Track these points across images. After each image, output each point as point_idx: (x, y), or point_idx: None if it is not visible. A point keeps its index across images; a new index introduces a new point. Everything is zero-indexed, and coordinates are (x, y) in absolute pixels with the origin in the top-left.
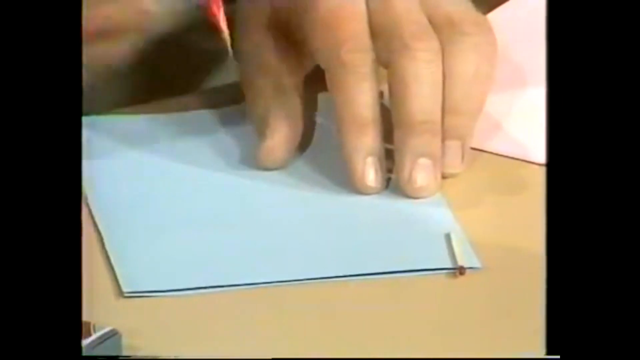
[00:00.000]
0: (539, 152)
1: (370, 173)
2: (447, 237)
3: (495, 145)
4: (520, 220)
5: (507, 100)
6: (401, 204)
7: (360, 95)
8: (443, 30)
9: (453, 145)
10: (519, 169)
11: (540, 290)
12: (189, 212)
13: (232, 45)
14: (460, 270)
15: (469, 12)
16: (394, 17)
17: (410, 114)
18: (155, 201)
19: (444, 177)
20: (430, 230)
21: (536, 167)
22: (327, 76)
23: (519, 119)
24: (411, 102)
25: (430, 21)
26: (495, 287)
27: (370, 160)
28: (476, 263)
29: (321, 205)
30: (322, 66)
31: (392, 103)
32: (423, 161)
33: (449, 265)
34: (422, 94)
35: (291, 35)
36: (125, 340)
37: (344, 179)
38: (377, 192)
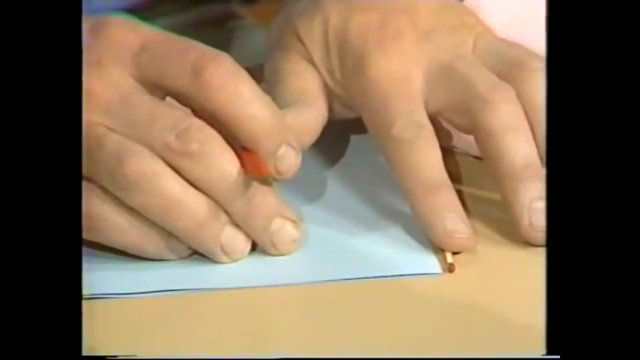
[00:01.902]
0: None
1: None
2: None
3: None
4: None
5: None
6: (390, 209)
7: (422, 162)
8: (512, 73)
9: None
10: None
11: (540, 290)
12: None
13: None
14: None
15: (524, 49)
16: (462, 81)
17: (513, 164)
18: None
19: None
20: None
21: None
22: (380, 145)
23: None
24: (510, 153)
25: (495, 71)
26: (496, 287)
27: (451, 217)
28: (437, 269)
29: (308, 211)
30: (374, 138)
31: (488, 159)
32: (538, 204)
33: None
34: (518, 142)
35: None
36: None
37: (333, 184)
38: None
